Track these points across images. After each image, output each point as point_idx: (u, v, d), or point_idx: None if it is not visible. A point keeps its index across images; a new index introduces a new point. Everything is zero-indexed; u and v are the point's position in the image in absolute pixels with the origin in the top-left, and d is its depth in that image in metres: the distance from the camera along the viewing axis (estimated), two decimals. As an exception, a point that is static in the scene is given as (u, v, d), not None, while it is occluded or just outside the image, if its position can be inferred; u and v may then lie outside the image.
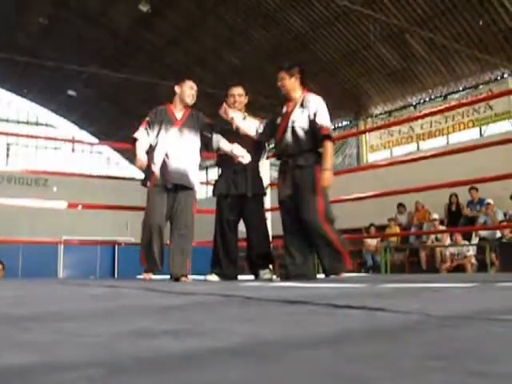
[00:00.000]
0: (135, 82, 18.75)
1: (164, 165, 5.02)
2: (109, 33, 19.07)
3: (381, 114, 16.95)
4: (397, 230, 12.88)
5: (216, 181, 5.34)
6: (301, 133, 4.68)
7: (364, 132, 17.04)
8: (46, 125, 25.57)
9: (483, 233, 11.21)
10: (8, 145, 24.13)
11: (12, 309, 2.04)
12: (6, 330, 1.34)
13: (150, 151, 5.13)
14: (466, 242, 11.08)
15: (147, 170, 5.11)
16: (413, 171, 11.83)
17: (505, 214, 11.59)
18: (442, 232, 11.52)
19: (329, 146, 4.61)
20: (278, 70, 5.08)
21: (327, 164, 4.57)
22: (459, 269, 10.80)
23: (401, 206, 13.50)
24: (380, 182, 12.20)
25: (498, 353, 0.93)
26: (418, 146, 15.81)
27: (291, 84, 4.94)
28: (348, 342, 1.08)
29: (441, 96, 15.36)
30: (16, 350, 1.00)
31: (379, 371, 0.79)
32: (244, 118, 5.04)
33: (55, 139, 20.79)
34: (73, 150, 25.38)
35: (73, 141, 24.26)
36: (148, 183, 5.09)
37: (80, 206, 7.78)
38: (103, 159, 26.76)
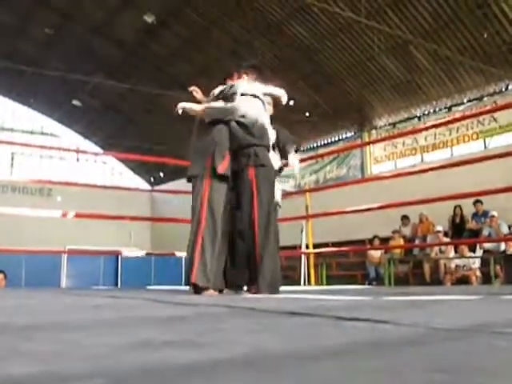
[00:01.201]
0: (140, 93, 18.83)
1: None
2: (114, 43, 19.16)
3: (385, 125, 16.94)
4: (401, 242, 12.85)
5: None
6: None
7: (368, 144, 17.01)
8: (51, 134, 25.64)
9: (487, 245, 11.17)
10: (12, 154, 24.19)
11: (13, 318, 2.03)
12: (7, 339, 1.33)
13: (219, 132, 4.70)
14: (472, 254, 11.04)
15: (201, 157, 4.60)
16: (417, 183, 11.82)
17: (509, 227, 11.55)
18: (446, 244, 11.49)
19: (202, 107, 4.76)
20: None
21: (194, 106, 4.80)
22: (463, 280, 10.76)
23: (405, 218, 13.47)
24: (384, 193, 12.20)
25: (502, 367, 0.92)
26: (422, 158, 15.80)
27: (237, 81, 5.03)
28: (352, 354, 1.07)
29: (445, 108, 15.34)
30: (17, 360, 0.99)
31: (384, 384, 0.78)
32: None
33: (60, 149, 20.86)
34: (77, 160, 25.45)
35: (77, 151, 24.31)
36: (220, 167, 4.49)
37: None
38: (107, 169, 26.82)
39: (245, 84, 4.93)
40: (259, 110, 4.83)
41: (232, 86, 4.83)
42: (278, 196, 5.25)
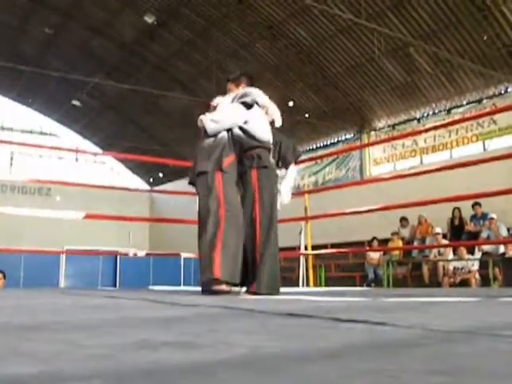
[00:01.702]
0: (139, 93, 18.82)
1: None
2: (114, 43, 19.16)
3: (384, 127, 16.95)
4: (400, 243, 12.85)
5: None
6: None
7: (367, 145, 17.01)
8: (50, 134, 25.65)
9: (486, 247, 11.18)
10: (12, 154, 24.18)
11: (13, 318, 2.03)
12: (6, 339, 1.34)
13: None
14: (471, 256, 11.04)
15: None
16: (416, 185, 11.83)
17: (508, 229, 11.55)
18: (444, 246, 11.50)
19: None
20: (226, 81, 5.18)
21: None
22: (463, 283, 10.76)
23: (403, 219, 13.47)
24: (383, 195, 12.20)
25: (501, 369, 0.92)
26: (421, 160, 15.80)
27: (232, 89, 5.06)
28: (350, 356, 1.07)
29: (444, 110, 15.35)
30: (16, 360, 0.99)
31: (382, 386, 0.78)
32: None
33: (59, 149, 20.83)
34: (76, 160, 25.43)
35: (76, 151, 24.29)
36: (225, 162, 4.56)
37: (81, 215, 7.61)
38: (106, 169, 26.82)
39: (259, 92, 4.95)
40: (260, 115, 4.86)
41: (248, 94, 4.84)
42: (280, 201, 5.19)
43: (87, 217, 7.39)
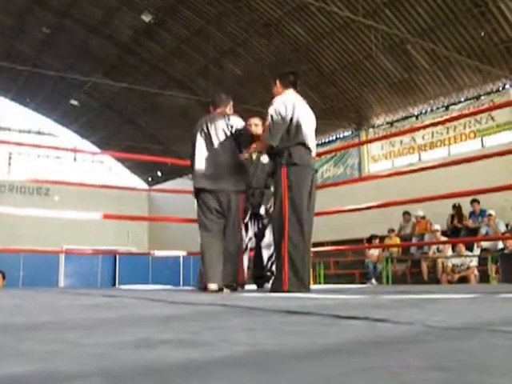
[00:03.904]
0: (137, 92, 18.81)
1: None
2: (111, 42, 19.13)
3: (382, 124, 16.94)
4: (397, 240, 12.83)
5: None
6: None
7: (366, 142, 17.02)
8: (49, 134, 25.60)
9: (485, 244, 11.17)
10: (10, 154, 24.14)
11: (12, 318, 2.03)
12: (5, 339, 1.33)
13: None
14: (469, 253, 11.03)
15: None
16: (414, 182, 11.82)
17: (507, 225, 11.55)
18: (443, 243, 11.49)
19: (258, 143, 4.96)
20: (274, 77, 5.16)
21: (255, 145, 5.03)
22: (462, 280, 10.75)
23: (406, 214, 13.29)
24: (381, 192, 12.20)
25: (501, 365, 0.92)
26: (419, 157, 15.79)
27: (275, 90, 5.00)
28: (350, 353, 1.07)
29: (442, 107, 15.34)
30: (15, 359, 0.99)
31: (382, 383, 0.78)
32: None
33: (57, 148, 20.80)
34: (74, 160, 25.40)
35: (75, 150, 24.26)
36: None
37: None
38: (105, 169, 26.77)
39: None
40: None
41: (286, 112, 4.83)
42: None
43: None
